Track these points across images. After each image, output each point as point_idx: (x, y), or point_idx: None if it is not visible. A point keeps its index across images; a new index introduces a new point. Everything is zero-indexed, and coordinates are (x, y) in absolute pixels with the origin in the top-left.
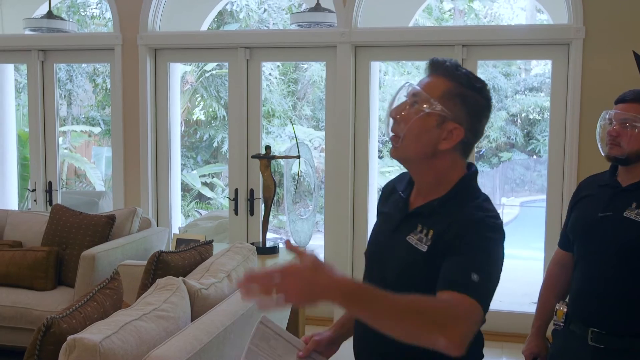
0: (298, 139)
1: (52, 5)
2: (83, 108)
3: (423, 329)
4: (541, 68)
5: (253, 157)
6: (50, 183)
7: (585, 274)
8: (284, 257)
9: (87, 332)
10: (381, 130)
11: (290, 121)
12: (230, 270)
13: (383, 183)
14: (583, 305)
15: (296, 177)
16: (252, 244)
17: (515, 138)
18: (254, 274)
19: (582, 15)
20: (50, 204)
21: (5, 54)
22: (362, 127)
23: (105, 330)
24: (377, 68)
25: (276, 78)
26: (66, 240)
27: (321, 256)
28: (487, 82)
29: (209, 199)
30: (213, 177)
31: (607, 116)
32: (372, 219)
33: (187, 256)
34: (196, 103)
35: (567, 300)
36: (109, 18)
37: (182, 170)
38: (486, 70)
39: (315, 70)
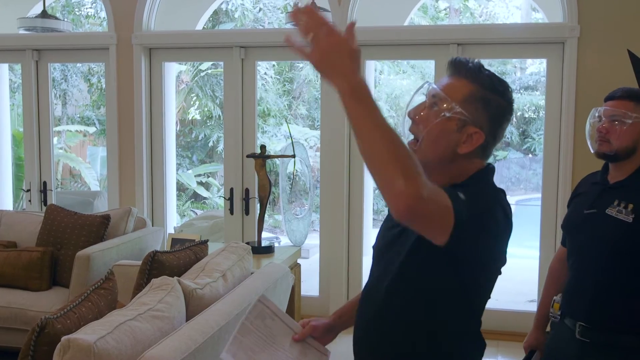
0: (293, 138)
1: (46, 4)
2: (78, 108)
3: (390, 160)
4: (536, 67)
5: (248, 156)
6: (44, 183)
7: (574, 270)
8: (280, 257)
9: (81, 332)
10: None
11: (286, 120)
12: (225, 269)
13: None
14: (572, 300)
15: (292, 176)
16: (248, 243)
17: (511, 137)
18: (313, 11)
19: (577, 13)
20: (45, 204)
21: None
22: None
23: (99, 331)
24: (373, 67)
25: (271, 77)
26: (61, 241)
27: (317, 256)
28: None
29: (205, 198)
30: (208, 177)
31: (597, 113)
32: (367, 217)
33: (182, 256)
34: (191, 102)
35: None
36: (104, 17)
37: (177, 169)
38: None
39: (310, 70)
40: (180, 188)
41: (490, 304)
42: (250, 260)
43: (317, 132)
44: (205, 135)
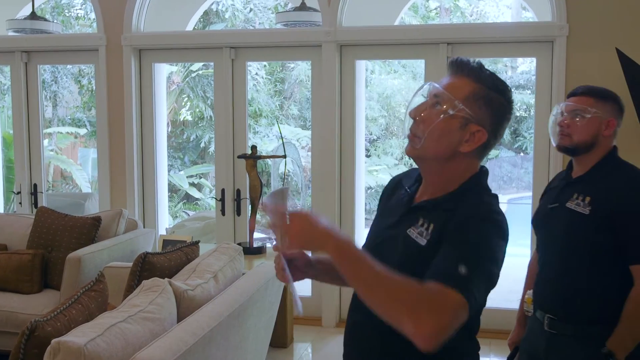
0: (285, 138)
1: (35, 6)
2: (69, 109)
3: (392, 305)
4: (527, 65)
5: (239, 157)
6: (35, 185)
7: (541, 264)
8: (272, 257)
9: (71, 335)
10: (368, 129)
11: (277, 121)
12: (216, 270)
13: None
14: (540, 293)
15: (283, 176)
16: (239, 244)
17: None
18: (270, 209)
19: (566, 12)
20: (36, 206)
21: None
22: (348, 125)
23: (89, 333)
24: (363, 67)
25: (263, 78)
26: (52, 243)
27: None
28: None
29: (197, 199)
30: (200, 178)
31: (559, 109)
32: (359, 217)
33: (173, 257)
34: (183, 103)
35: None
36: (94, 19)
37: (169, 171)
38: None
39: (301, 70)
40: (172, 189)
41: None
42: (241, 261)
43: (309, 132)
44: (196, 136)
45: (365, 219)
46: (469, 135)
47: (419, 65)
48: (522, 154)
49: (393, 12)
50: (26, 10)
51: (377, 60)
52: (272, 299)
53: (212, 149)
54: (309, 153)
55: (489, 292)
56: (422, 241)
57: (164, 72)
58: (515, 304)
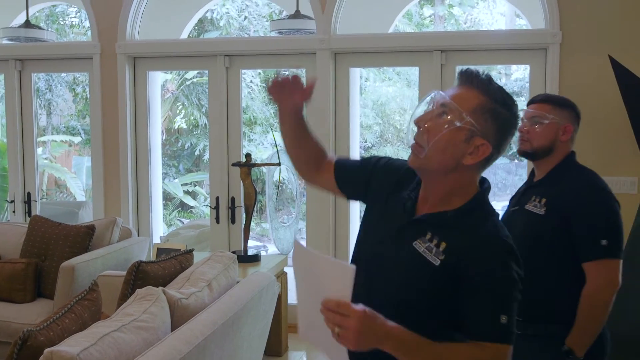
0: (280, 146)
1: (30, 14)
2: (63, 117)
3: None
4: (521, 73)
5: (233, 165)
6: (29, 194)
7: None
8: (266, 266)
9: (64, 344)
10: (363, 136)
11: (272, 128)
12: (210, 279)
13: None
14: None
15: (278, 184)
16: (234, 252)
17: None
18: (331, 305)
19: (559, 20)
20: (30, 215)
21: None
22: (342, 133)
23: (83, 343)
24: (357, 74)
25: (257, 85)
26: (45, 252)
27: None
28: None
29: (192, 207)
30: (195, 186)
31: (520, 116)
32: (353, 225)
33: (167, 266)
34: (177, 111)
35: None
36: (88, 27)
37: (164, 179)
38: None
39: None
40: (167, 197)
41: None
42: (236, 269)
43: None
44: (191, 144)
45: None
46: (473, 148)
47: (414, 72)
48: (516, 160)
49: (387, 19)
50: (20, 19)
51: (371, 67)
52: (267, 307)
53: (206, 156)
54: None
55: None
56: (435, 260)
57: (159, 80)
58: None
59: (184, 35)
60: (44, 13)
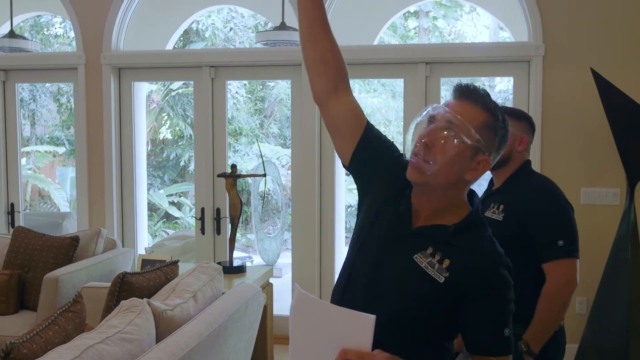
0: (265, 157)
1: (14, 24)
2: (47, 128)
3: None
4: (505, 84)
5: (219, 176)
6: (12, 205)
7: None
8: (252, 277)
9: (48, 357)
10: None
11: (257, 139)
12: (196, 290)
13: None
14: None
15: (263, 195)
16: (219, 263)
17: None
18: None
19: (542, 32)
20: (13, 226)
21: None
22: (328, 144)
23: (66, 355)
24: None
25: (243, 96)
26: (28, 263)
27: (289, 275)
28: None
29: (177, 218)
30: (180, 196)
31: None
32: (339, 236)
33: (152, 277)
34: (162, 122)
35: None
36: (73, 37)
37: (149, 189)
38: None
39: (282, 88)
40: (152, 208)
41: None
42: (221, 281)
43: (289, 151)
44: (176, 154)
45: (346, 237)
46: (475, 163)
47: (399, 84)
48: None
49: (372, 31)
50: (4, 29)
51: (356, 79)
52: (252, 318)
53: (191, 167)
54: (289, 171)
55: None
56: (439, 277)
57: (144, 90)
58: None
59: (170, 46)
60: (29, 23)
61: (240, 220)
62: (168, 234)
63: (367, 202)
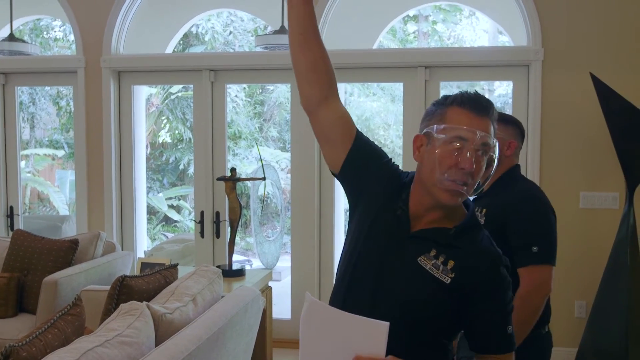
0: (264, 160)
1: (14, 27)
2: (47, 131)
3: None
4: (504, 88)
5: (218, 179)
6: (11, 208)
7: None
8: (251, 280)
9: None
10: None
11: (256, 143)
12: (195, 293)
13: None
14: None
15: (263, 198)
16: (219, 266)
17: None
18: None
19: (541, 37)
20: (12, 229)
21: None
22: None
23: (66, 358)
24: (342, 89)
25: (242, 100)
26: (28, 266)
27: (288, 278)
28: None
29: (176, 221)
30: (180, 200)
31: None
32: (338, 239)
33: (152, 280)
34: (162, 125)
35: None
36: (73, 40)
37: (148, 193)
38: (450, 91)
39: (281, 92)
40: (151, 211)
41: None
42: (220, 284)
43: (288, 155)
44: (176, 158)
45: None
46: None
47: (398, 88)
48: None
49: (372, 35)
50: (4, 32)
51: (356, 83)
52: (252, 321)
53: (191, 171)
54: (289, 175)
55: None
56: (445, 278)
57: (143, 94)
58: None
59: (169, 49)
60: (28, 26)
61: (240, 223)
62: (167, 237)
63: (360, 210)
